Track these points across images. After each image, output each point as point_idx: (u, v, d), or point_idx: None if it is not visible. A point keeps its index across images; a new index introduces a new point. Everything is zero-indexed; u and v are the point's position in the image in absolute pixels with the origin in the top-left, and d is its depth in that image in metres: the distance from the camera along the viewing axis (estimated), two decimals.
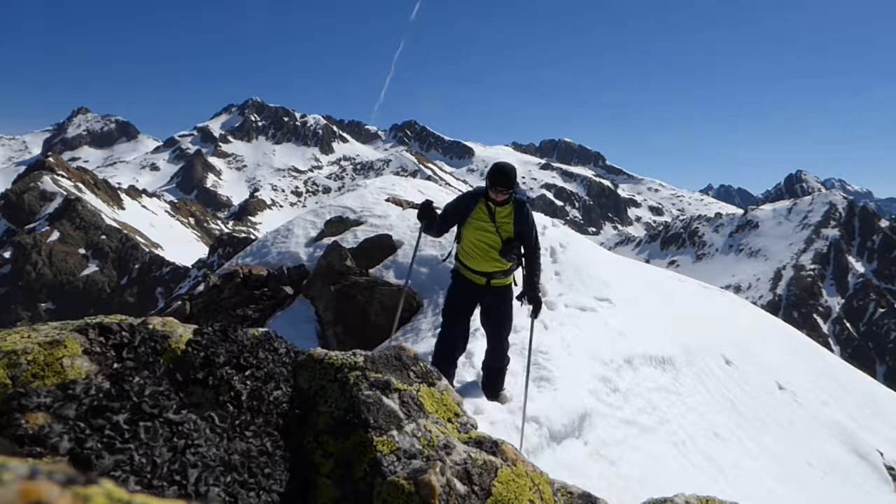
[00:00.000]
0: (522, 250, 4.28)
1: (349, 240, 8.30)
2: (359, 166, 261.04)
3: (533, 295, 4.29)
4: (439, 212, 4.42)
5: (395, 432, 0.94)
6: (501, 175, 3.98)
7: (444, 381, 1.12)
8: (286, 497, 0.85)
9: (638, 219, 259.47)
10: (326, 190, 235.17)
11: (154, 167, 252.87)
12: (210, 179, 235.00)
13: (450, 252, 4.56)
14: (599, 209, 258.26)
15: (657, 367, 6.39)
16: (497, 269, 4.21)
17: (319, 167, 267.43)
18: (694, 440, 5.58)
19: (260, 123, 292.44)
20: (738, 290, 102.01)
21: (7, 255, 68.62)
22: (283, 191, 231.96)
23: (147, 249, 73.22)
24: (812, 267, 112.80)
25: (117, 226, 75.44)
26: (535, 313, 4.39)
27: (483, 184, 4.28)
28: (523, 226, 4.16)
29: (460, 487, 0.90)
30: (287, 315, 7.56)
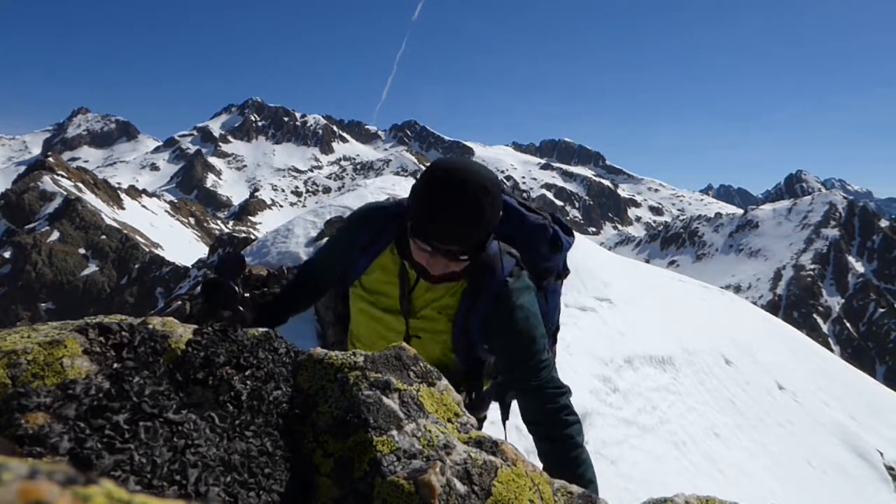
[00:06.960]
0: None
1: None
2: (359, 166, 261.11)
3: None
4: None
5: (395, 432, 0.94)
6: (444, 224, 1.36)
7: (444, 381, 1.12)
8: (286, 497, 0.85)
9: (638, 219, 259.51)
10: (326, 190, 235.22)
11: (154, 167, 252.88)
12: (210, 179, 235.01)
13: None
14: (599, 209, 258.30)
15: (657, 366, 6.40)
16: None
17: (319, 167, 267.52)
18: (694, 440, 5.58)
19: (260, 123, 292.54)
20: (738, 290, 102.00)
21: (7, 255, 68.59)
22: (283, 191, 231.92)
23: (147, 249, 73.17)
24: (812, 267, 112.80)
25: (117, 226, 75.41)
26: None
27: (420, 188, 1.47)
28: (499, 340, 1.57)
29: (460, 487, 0.90)
30: None
